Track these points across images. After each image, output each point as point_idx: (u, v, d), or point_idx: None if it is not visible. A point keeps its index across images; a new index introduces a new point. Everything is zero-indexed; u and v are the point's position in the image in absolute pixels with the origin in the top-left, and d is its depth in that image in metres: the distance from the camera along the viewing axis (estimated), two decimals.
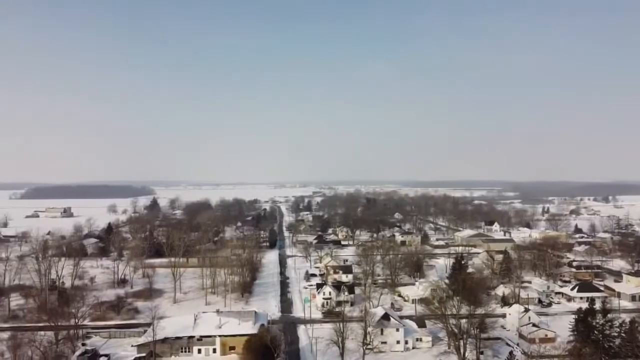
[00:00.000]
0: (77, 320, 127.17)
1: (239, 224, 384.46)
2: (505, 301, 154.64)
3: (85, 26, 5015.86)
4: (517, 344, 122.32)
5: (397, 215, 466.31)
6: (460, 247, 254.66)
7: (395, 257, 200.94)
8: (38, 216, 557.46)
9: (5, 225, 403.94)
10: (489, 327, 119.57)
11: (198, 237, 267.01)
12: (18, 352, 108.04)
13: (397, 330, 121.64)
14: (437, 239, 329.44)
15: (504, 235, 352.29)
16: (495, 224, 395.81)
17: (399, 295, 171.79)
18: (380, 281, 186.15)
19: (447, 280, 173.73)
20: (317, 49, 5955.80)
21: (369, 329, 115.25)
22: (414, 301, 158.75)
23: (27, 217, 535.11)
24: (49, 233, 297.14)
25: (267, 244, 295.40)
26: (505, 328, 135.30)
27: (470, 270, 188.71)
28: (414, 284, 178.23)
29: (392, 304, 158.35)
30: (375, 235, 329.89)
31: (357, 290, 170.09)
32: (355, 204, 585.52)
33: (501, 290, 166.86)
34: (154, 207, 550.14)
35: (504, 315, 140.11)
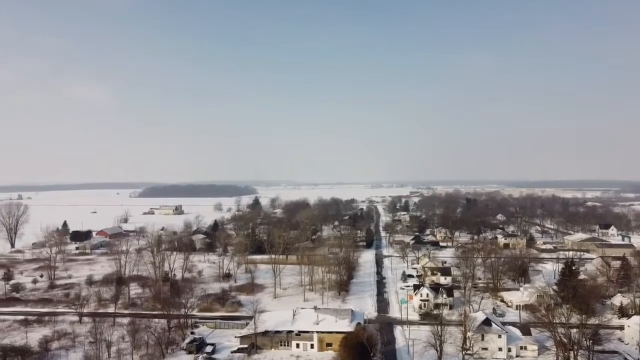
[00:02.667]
0: (186, 310, 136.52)
1: (336, 223, 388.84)
2: (623, 312, 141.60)
3: (191, 32, 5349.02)
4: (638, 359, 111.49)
5: (499, 217, 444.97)
6: (571, 252, 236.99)
7: (497, 260, 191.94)
8: (153, 213, 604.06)
9: (125, 221, 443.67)
10: (604, 339, 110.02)
11: (297, 235, 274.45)
12: (136, 336, 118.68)
13: (500, 336, 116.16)
14: (545, 243, 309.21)
15: (622, 240, 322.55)
16: (612, 227, 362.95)
17: (502, 301, 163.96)
18: (481, 285, 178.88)
19: (555, 287, 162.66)
20: (410, 47, 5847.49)
21: (469, 334, 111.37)
22: (517, 307, 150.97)
23: (144, 213, 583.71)
24: (162, 229, 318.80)
25: (364, 243, 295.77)
26: (623, 341, 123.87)
27: (582, 276, 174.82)
28: (518, 289, 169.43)
29: (493, 309, 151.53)
30: (475, 237, 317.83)
31: (456, 293, 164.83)
32: (455, 204, 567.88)
33: (619, 299, 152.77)
34: (256, 205, 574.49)
35: (621, 327, 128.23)
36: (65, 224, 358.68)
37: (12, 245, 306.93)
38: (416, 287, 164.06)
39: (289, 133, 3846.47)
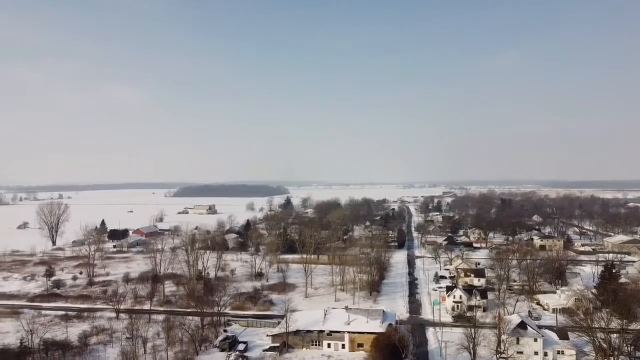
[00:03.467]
0: (219, 308, 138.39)
1: (368, 223, 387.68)
2: None
3: (225, 33, 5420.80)
4: None
5: (535, 218, 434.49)
6: (611, 254, 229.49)
7: (533, 262, 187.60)
8: (187, 213, 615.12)
9: (161, 220, 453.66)
10: None
11: (328, 235, 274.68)
12: (171, 333, 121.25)
13: (536, 340, 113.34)
14: (583, 244, 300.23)
15: None
16: None
17: (538, 304, 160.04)
18: (516, 287, 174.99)
19: (594, 290, 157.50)
20: (440, 46, 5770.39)
21: (504, 337, 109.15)
22: (554, 310, 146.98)
23: (179, 213, 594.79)
24: (196, 228, 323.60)
25: (396, 243, 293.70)
26: None
27: (622, 280, 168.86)
28: (554, 292, 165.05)
29: (529, 312, 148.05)
30: (510, 238, 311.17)
31: (490, 295, 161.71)
32: (489, 204, 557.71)
33: None
34: (287, 205, 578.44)
35: None
36: (103, 223, 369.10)
37: (54, 243, 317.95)
38: (449, 289, 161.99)
39: (321, 133, 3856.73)
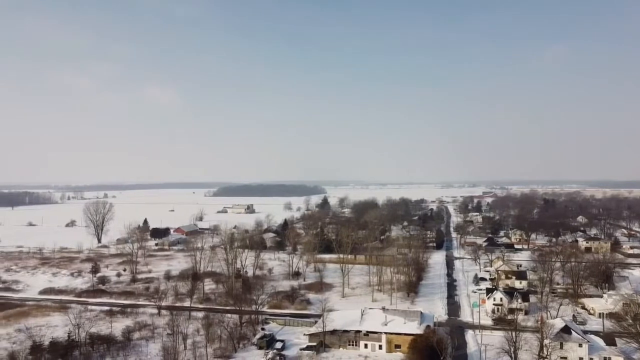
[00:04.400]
0: (257, 307, 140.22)
1: (405, 223, 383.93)
2: None
3: (259, 35, 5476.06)
4: None
5: (580, 219, 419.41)
6: None
7: (578, 265, 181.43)
8: (226, 212, 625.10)
9: (201, 219, 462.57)
10: None
11: (365, 235, 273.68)
12: (210, 330, 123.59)
13: (581, 345, 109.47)
14: (632, 247, 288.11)
15: None
16: None
17: (583, 308, 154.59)
18: (559, 290, 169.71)
19: None
20: (482, 42, 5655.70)
21: (546, 341, 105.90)
22: (600, 315, 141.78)
23: (218, 212, 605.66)
24: (235, 227, 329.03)
25: (434, 244, 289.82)
26: None
27: None
28: (601, 296, 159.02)
29: (573, 316, 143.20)
30: (554, 239, 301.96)
31: (532, 298, 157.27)
32: (531, 205, 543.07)
33: None
34: (324, 205, 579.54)
35: None
36: (145, 222, 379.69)
37: (99, 241, 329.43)
38: (489, 291, 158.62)
39: (358, 133, 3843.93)
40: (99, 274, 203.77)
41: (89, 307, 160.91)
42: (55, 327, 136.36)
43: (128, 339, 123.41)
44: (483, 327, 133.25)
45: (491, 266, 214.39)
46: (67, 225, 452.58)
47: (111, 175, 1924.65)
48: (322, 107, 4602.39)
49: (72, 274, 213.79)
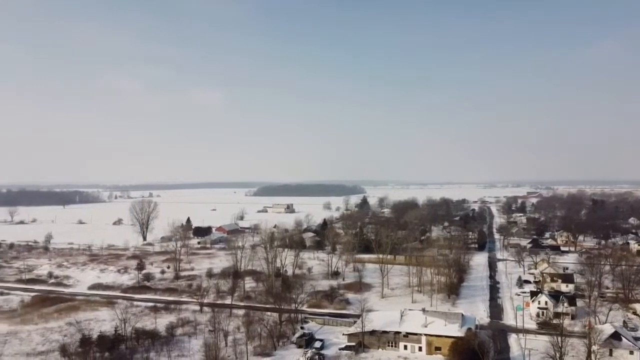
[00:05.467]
0: (296, 305, 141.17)
1: (446, 223, 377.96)
2: None
3: (295, 37, 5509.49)
4: None
5: (632, 220, 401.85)
6: None
7: (629, 269, 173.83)
8: (266, 211, 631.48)
9: (241, 218, 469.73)
10: None
11: (405, 235, 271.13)
12: (250, 327, 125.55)
13: (632, 353, 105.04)
14: None
15: None
16: None
17: (634, 313, 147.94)
18: (609, 295, 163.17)
19: None
20: (525, 40, 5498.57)
21: (594, 348, 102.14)
22: None
23: (258, 212, 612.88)
24: (275, 226, 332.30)
25: (476, 245, 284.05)
26: None
27: None
28: None
29: (624, 322, 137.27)
30: (603, 242, 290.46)
31: (580, 302, 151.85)
32: (579, 206, 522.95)
33: None
34: (364, 205, 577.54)
35: None
36: (188, 220, 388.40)
37: (144, 239, 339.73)
38: (533, 294, 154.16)
39: (398, 132, 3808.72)
40: (144, 271, 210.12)
41: (135, 302, 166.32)
42: (103, 321, 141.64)
43: (171, 335, 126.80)
44: (527, 331, 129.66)
45: (535, 268, 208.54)
46: (114, 223, 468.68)
47: (156, 175, 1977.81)
48: (361, 107, 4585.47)
49: (118, 271, 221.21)
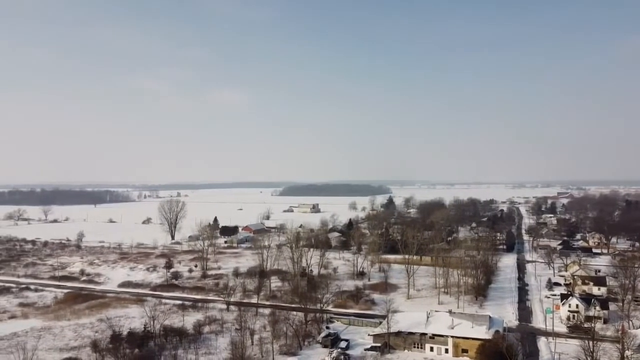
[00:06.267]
0: (322, 305, 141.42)
1: (474, 224, 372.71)
2: None
3: (318, 39, 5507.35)
4: None
5: None
6: None
7: None
8: (292, 211, 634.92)
9: (267, 218, 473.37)
10: None
11: (431, 235, 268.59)
12: (276, 326, 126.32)
13: None
14: None
15: None
16: None
17: None
18: None
19: None
20: (554, 37, 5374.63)
21: (628, 353, 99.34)
22: None
23: (284, 211, 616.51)
24: (301, 226, 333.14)
25: (504, 246, 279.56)
26: None
27: None
28: None
29: None
30: (637, 243, 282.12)
31: (612, 306, 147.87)
32: (611, 206, 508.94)
33: None
34: (390, 205, 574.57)
35: None
36: (215, 220, 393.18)
37: (172, 238, 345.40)
38: (564, 297, 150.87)
39: (425, 132, 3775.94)
40: (172, 270, 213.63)
41: (163, 300, 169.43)
42: (132, 318, 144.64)
43: (199, 333, 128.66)
44: (557, 335, 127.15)
45: (566, 271, 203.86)
46: (143, 222, 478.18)
47: (184, 176, 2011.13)
48: (387, 107, 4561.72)
49: (147, 269, 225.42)
